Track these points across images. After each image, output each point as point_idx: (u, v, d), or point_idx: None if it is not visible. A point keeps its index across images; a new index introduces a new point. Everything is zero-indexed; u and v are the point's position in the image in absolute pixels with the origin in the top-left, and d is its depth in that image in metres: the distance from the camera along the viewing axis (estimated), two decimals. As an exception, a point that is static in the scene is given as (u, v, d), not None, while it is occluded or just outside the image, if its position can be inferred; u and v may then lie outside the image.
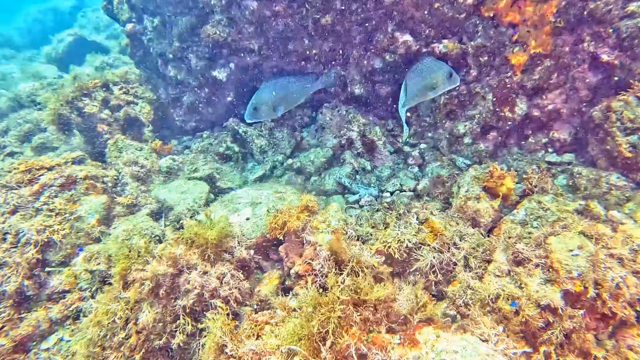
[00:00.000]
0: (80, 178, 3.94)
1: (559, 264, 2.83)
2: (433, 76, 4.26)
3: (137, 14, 5.27)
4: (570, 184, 4.14)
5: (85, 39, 9.85)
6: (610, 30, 4.19)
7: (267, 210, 3.55)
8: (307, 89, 5.27)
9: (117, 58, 9.33)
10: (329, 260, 2.84)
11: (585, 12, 4.23)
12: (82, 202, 3.79)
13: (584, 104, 4.54)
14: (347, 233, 3.27)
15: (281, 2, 4.54)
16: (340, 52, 5.30)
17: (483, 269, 3.06)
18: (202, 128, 6.05)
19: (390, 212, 3.79)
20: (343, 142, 5.22)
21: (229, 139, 5.29)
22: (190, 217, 3.99)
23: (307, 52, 5.24)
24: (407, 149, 5.32)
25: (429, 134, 5.49)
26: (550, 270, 2.86)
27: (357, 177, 4.74)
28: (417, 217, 3.43)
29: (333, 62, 5.40)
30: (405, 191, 4.49)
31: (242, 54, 5.28)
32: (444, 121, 5.30)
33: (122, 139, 4.84)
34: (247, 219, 3.47)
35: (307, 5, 4.57)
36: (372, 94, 5.45)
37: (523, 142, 5.19)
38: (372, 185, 4.67)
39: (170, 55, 5.24)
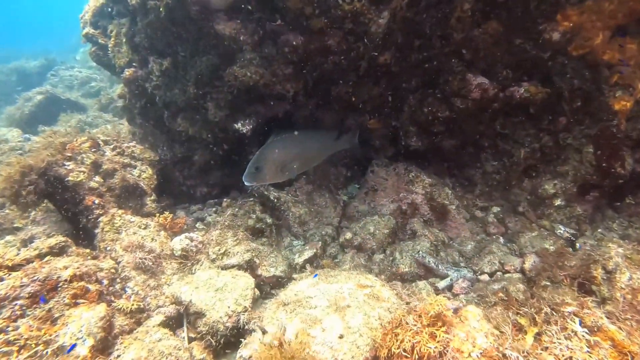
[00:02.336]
0: (65, 280, 2.61)
1: None
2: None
3: (140, 55, 4.19)
4: None
5: (58, 97, 8.63)
6: None
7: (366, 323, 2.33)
8: (326, 149, 4.32)
9: (97, 116, 8.13)
10: None
11: None
12: (68, 319, 2.44)
13: None
14: (506, 356, 2.08)
15: (334, 35, 3.59)
16: (390, 98, 4.36)
17: None
18: (215, 194, 4.83)
19: (520, 308, 2.64)
20: (404, 207, 4.13)
21: (258, 207, 4.09)
22: (231, 330, 2.69)
23: (353, 99, 4.27)
24: (479, 213, 4.28)
25: (496, 193, 4.52)
26: None
27: (442, 254, 3.60)
28: (581, 322, 2.30)
29: (382, 111, 4.44)
30: (509, 272, 3.37)
31: (272, 102, 4.24)
32: (521, 179, 4.36)
33: (120, 214, 3.57)
34: (340, 336, 2.23)
35: (365, 40, 3.64)
36: (432, 148, 4.48)
37: (618, 204, 4.28)
38: (460, 264, 3.54)
39: (183, 105, 4.12)
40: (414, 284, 3.29)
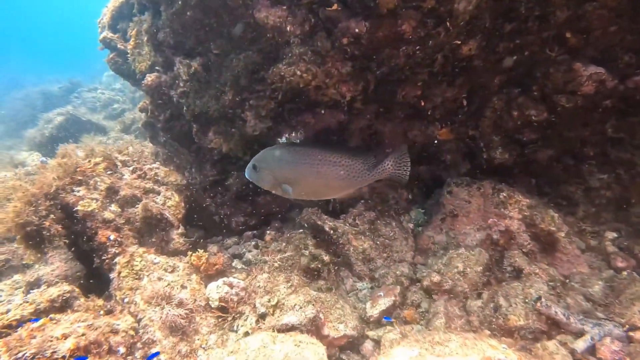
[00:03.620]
0: (63, 358, 1.82)
1: None
2: None
3: (164, 57, 3.48)
4: None
5: (80, 119, 8.12)
6: None
7: None
8: (350, 180, 3.00)
9: (118, 138, 7.55)
10: None
11: None
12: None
13: None
14: None
15: (410, 18, 2.80)
16: (464, 101, 3.53)
17: None
18: (253, 224, 4.02)
19: None
20: (496, 236, 3.23)
21: (310, 241, 3.26)
22: None
23: (422, 104, 3.45)
24: (592, 241, 3.35)
25: (607, 215, 3.58)
26: None
27: (568, 300, 2.66)
28: None
29: (455, 118, 3.61)
30: (668, 325, 2.43)
31: (322, 110, 3.46)
32: (644, 195, 3.42)
33: (141, 254, 2.79)
34: None
35: (448, 23, 2.83)
36: (521, 162, 3.60)
37: None
38: (594, 314, 2.60)
39: (215, 115, 3.37)
40: (538, 344, 2.37)
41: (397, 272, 3.06)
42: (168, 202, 3.54)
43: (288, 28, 3.01)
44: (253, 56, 3.11)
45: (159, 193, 3.59)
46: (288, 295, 2.57)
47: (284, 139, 3.54)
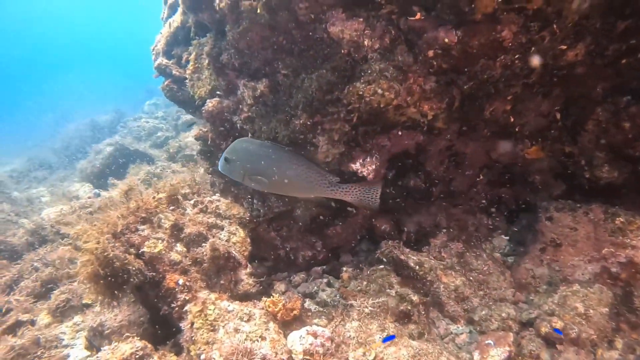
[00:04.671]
0: None
1: None
2: None
3: (227, 80, 3.26)
4: None
5: (127, 148, 8.14)
6: None
7: None
8: (309, 188, 2.93)
9: (166, 167, 7.46)
10: None
11: None
12: None
13: None
14: None
15: (511, 23, 2.44)
16: (557, 114, 3.11)
17: None
18: (321, 259, 3.69)
19: None
20: (615, 269, 2.75)
21: (394, 279, 2.88)
22: None
23: (511, 119, 3.06)
24: None
25: None
26: None
27: None
28: None
29: (548, 134, 3.18)
30: None
31: (399, 131, 3.13)
32: None
33: (214, 301, 2.49)
34: None
35: (555, 26, 2.45)
36: (634, 180, 3.12)
37: None
38: None
39: (285, 141, 3.09)
40: None
41: (502, 314, 2.63)
42: (233, 238, 3.26)
43: (366, 42, 2.72)
44: (327, 75, 2.82)
45: (222, 228, 3.32)
46: (386, 347, 2.19)
47: (358, 165, 3.22)
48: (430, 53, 2.62)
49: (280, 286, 3.36)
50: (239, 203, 3.69)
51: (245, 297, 2.85)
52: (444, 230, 3.33)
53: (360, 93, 2.73)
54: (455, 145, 3.35)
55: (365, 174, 3.21)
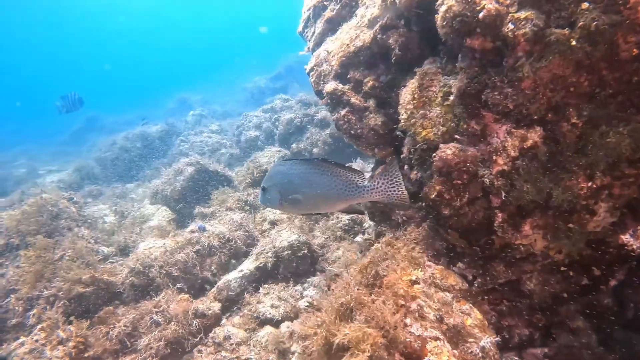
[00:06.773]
0: None
1: None
2: None
3: (481, 124, 2.56)
4: None
5: (206, 169, 7.48)
6: None
7: None
8: (339, 194, 2.60)
9: (255, 194, 6.81)
10: None
11: None
12: None
13: None
14: None
15: None
16: None
17: None
18: (537, 339, 2.98)
19: None
20: None
21: None
22: None
23: None
24: None
25: None
26: None
27: None
28: None
29: None
30: None
31: None
32: None
33: None
34: None
35: None
36: None
37: None
38: None
39: (564, 206, 2.41)
40: None
41: None
42: (468, 321, 2.58)
43: None
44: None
45: (451, 305, 2.64)
46: None
47: (627, 236, 2.54)
48: None
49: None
50: (448, 268, 3.01)
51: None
52: None
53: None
54: None
55: (635, 247, 2.53)
